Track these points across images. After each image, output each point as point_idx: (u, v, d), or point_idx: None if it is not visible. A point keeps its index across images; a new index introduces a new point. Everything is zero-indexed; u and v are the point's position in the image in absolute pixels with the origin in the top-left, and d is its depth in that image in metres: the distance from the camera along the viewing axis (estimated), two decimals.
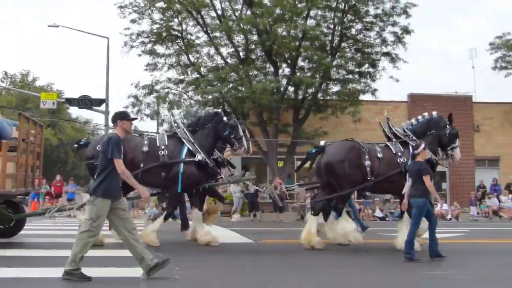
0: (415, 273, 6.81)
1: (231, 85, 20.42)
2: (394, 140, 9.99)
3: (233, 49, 21.45)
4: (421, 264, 7.47)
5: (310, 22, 20.77)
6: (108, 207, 5.68)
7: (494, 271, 7.24)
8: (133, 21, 21.34)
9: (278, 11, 20.03)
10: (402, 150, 9.71)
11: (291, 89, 21.29)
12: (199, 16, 21.09)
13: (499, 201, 19.51)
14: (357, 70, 21.73)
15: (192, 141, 9.46)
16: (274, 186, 16.01)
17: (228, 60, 21.77)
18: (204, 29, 21.35)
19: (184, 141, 9.52)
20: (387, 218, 18.44)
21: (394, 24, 21.21)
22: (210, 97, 20.30)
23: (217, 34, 21.31)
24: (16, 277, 5.73)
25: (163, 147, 9.45)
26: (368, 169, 9.49)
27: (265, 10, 19.36)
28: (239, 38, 21.50)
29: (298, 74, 20.42)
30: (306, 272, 6.78)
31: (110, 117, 10.23)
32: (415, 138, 9.85)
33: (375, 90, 21.54)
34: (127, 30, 21.49)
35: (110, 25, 66.65)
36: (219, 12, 21.03)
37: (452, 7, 75.38)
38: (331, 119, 21.35)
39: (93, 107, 21.65)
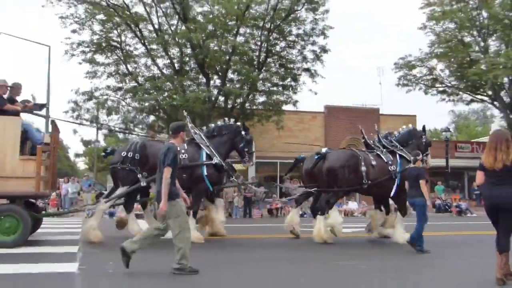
0: (326, 264, 7.17)
1: (166, 93, 20.68)
2: (384, 150, 10.44)
3: (168, 61, 21.71)
4: (330, 256, 7.91)
5: (240, 38, 21.51)
6: (184, 204, 6.14)
7: (389, 261, 7.70)
8: (74, 31, 21.20)
9: (210, 27, 20.56)
10: (392, 159, 10.25)
11: (221, 98, 21.65)
12: (137, 29, 21.28)
13: None
14: (281, 83, 22.58)
15: (209, 145, 9.72)
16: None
17: (164, 71, 21.94)
18: (142, 41, 21.48)
19: (201, 146, 9.77)
20: (305, 215, 19.86)
21: (313, 43, 22.40)
22: (146, 104, 20.54)
23: (154, 46, 21.59)
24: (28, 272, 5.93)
25: (182, 151, 9.61)
26: (364, 174, 9.91)
27: (198, 26, 19.80)
28: (174, 51, 21.75)
29: (228, 85, 20.97)
30: (224, 265, 6.89)
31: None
32: (401, 148, 10.43)
33: (296, 101, 22.48)
34: (68, 40, 21.35)
35: (52, 33, 65.37)
36: (156, 26, 21.31)
37: (364, 28, 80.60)
38: (257, 126, 21.84)
39: (34, 112, 21.43)
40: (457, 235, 12.12)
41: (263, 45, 21.95)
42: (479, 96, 29.04)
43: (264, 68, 22.23)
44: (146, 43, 21.50)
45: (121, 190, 9.47)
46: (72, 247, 8.13)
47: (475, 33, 26.85)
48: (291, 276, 6.21)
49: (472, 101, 29.84)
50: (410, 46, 55.78)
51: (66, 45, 21.39)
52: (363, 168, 9.94)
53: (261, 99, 22.75)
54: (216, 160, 9.62)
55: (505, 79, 25.60)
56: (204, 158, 9.63)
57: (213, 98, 20.94)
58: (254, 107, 22.64)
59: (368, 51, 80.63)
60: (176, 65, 21.80)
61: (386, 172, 10.09)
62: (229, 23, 20.62)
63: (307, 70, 22.75)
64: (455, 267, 7.18)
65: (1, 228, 8.07)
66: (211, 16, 20.80)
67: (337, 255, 7.97)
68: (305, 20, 22.12)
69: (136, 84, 21.35)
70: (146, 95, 20.07)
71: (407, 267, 7.12)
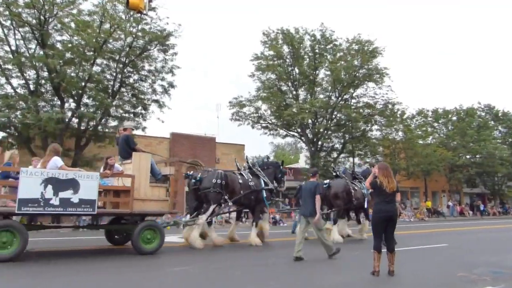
0: (159, 271, 7.27)
1: (19, 112, 19.71)
2: (357, 179, 14.23)
3: (24, 81, 20.52)
4: (167, 262, 8.36)
5: (96, 68, 21.48)
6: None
7: (216, 264, 8.17)
8: None
9: (68, 55, 20.25)
10: (362, 186, 13.60)
11: (75, 120, 21.30)
12: None
13: None
14: (132, 110, 23.09)
15: (264, 175, 12.24)
16: None
17: (18, 90, 20.60)
18: None
19: (260, 175, 12.14)
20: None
21: (163, 79, 23.41)
22: None
23: (9, 66, 20.22)
24: None
25: (250, 179, 11.91)
26: (352, 194, 13.20)
27: (56, 53, 19.39)
28: (30, 73, 20.70)
29: (82, 109, 20.74)
30: (72, 274, 6.96)
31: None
32: (360, 181, 14.07)
33: (145, 127, 23.19)
34: None
35: None
36: (13, 48, 20.08)
37: (209, 69, 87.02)
38: (108, 147, 21.23)
39: None
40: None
41: (118, 76, 22.30)
42: (291, 132, 32.84)
43: (117, 96, 22.43)
44: (1, 63, 19.92)
45: (212, 207, 11.05)
46: None
47: (289, 84, 30.93)
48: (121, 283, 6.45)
49: (286, 135, 33.49)
50: (242, 89, 60.67)
51: None
52: (352, 191, 13.35)
53: (114, 123, 22.74)
54: (271, 185, 12.22)
55: (309, 121, 29.88)
56: (263, 185, 12.06)
57: (66, 119, 20.53)
58: (107, 130, 22.55)
59: (211, 89, 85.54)
60: (31, 86, 20.67)
61: (361, 194, 13.56)
62: (87, 53, 20.54)
63: (156, 101, 23.56)
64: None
65: (144, 239, 9.28)
66: (70, 45, 20.49)
67: (176, 262, 8.47)
68: (156, 58, 23.09)
69: None
70: None
71: (230, 266, 7.86)
